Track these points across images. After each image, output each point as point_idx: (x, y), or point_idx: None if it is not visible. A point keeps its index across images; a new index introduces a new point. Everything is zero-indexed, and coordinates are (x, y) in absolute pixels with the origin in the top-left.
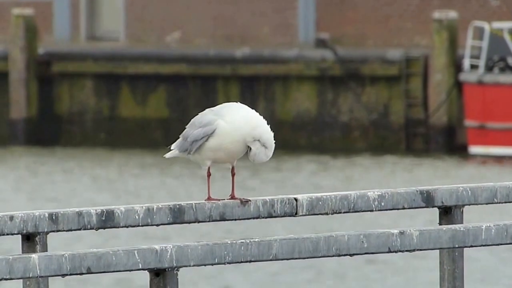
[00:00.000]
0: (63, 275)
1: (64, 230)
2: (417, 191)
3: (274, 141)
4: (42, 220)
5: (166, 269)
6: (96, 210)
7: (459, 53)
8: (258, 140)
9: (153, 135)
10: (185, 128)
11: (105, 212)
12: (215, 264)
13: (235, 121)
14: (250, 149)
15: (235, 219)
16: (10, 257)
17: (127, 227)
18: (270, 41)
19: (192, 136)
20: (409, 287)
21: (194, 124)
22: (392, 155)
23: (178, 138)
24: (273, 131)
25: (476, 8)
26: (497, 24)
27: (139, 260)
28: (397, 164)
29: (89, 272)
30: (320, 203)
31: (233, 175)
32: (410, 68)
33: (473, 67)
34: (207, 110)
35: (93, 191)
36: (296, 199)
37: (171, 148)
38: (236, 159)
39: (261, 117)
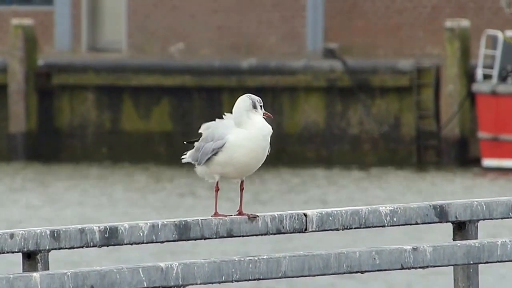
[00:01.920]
0: None
1: (66, 248)
2: (430, 205)
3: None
4: (43, 238)
5: None
6: (99, 227)
7: (472, 62)
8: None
9: (157, 149)
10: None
11: (108, 229)
12: (222, 282)
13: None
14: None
15: (243, 236)
16: (11, 275)
17: (131, 244)
18: (277, 51)
19: (203, 149)
20: None
21: (207, 137)
22: (403, 168)
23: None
24: (280, 144)
25: (489, 16)
26: (510, 33)
27: (144, 278)
28: (409, 178)
29: None
30: (331, 218)
31: (241, 190)
32: (422, 78)
33: (486, 77)
34: (217, 120)
35: (95, 207)
36: (305, 215)
37: (187, 155)
38: (246, 175)
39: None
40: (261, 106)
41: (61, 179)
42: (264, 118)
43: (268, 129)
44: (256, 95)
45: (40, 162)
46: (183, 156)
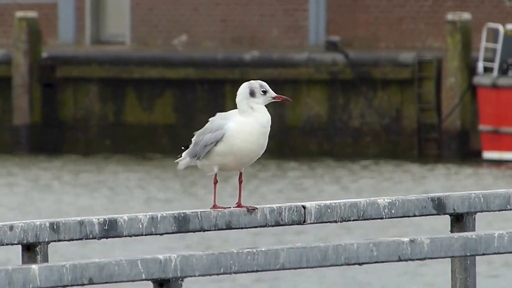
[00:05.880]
0: (64, 286)
1: (65, 240)
2: (428, 198)
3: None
4: (43, 230)
5: (170, 280)
6: (98, 219)
7: (473, 55)
8: (256, 92)
9: (160, 142)
10: (194, 135)
11: (107, 221)
12: (220, 274)
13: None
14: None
15: (242, 228)
16: (10, 267)
17: (131, 236)
18: (279, 44)
19: (202, 141)
20: None
21: (205, 130)
22: (404, 160)
23: (189, 144)
24: (282, 137)
25: (490, 9)
26: (511, 26)
27: (142, 271)
28: (409, 170)
29: (91, 283)
30: (329, 210)
31: (240, 182)
32: (423, 71)
33: (487, 70)
34: (217, 114)
35: (97, 199)
36: (304, 207)
37: (182, 156)
38: (245, 166)
39: None
40: (264, 91)
41: (64, 171)
42: (278, 100)
43: (266, 118)
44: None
45: (44, 154)
46: (177, 160)
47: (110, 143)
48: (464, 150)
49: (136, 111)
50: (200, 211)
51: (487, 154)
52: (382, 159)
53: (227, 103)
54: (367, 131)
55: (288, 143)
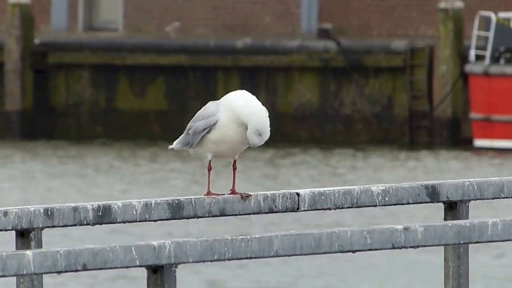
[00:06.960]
0: (58, 272)
1: (59, 226)
2: (422, 185)
3: (266, 127)
4: (37, 216)
5: (164, 266)
6: (92, 205)
7: (465, 43)
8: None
9: (151, 128)
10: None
11: (101, 207)
12: (214, 260)
13: (232, 103)
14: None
15: (235, 215)
16: (4, 253)
17: (124, 222)
18: (272, 31)
19: (194, 128)
20: (413, 284)
21: (197, 117)
22: (396, 148)
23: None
24: (274, 124)
25: None
26: (503, 14)
27: (136, 257)
28: (400, 158)
29: (85, 269)
30: (323, 198)
31: (234, 169)
32: (415, 59)
33: (479, 58)
34: (209, 102)
35: (89, 186)
36: (298, 194)
37: (173, 144)
38: (239, 152)
39: (259, 103)
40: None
41: (55, 157)
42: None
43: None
44: (251, 75)
45: (35, 140)
46: (170, 146)
47: (101, 129)
48: (455, 137)
49: (128, 98)
50: (194, 198)
51: (478, 142)
52: (373, 146)
53: (219, 90)
54: (359, 119)
55: (280, 130)
